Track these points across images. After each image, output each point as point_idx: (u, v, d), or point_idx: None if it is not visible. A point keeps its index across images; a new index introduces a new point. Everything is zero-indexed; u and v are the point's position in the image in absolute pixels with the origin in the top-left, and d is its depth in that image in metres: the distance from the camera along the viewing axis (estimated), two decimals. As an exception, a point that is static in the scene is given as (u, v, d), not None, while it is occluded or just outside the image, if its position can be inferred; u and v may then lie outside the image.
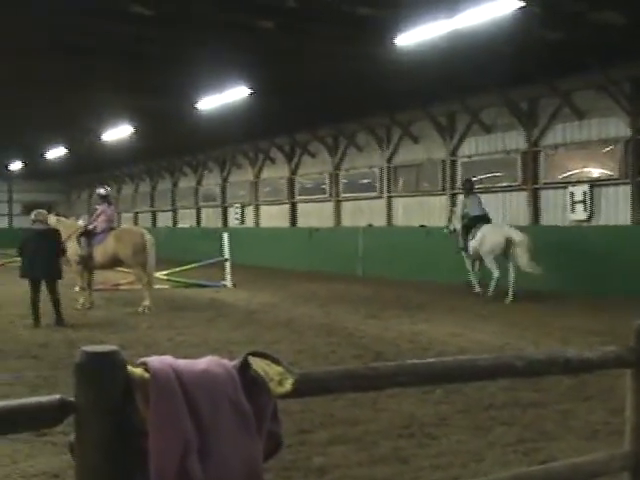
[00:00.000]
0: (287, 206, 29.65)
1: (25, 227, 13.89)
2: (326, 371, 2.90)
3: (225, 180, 34.38)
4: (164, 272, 19.37)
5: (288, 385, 2.48)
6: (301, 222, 29.10)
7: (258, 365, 2.49)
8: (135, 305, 14.78)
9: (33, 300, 12.59)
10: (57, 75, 18.00)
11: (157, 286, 16.34)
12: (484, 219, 16.46)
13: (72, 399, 2.24)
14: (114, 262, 15.04)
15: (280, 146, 29.82)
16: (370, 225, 24.67)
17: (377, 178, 25.02)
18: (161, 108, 21.58)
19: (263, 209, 31.73)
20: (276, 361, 2.53)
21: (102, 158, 35.60)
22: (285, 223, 29.66)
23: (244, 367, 2.48)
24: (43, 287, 12.68)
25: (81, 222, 17.37)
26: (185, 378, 2.36)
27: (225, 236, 20.72)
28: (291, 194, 29.48)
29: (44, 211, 13.82)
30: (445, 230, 18.01)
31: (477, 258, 16.39)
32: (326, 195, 27.41)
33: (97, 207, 15.64)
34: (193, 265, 21.58)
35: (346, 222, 26.55)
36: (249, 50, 15.65)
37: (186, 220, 37.43)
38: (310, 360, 9.08)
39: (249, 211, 32.50)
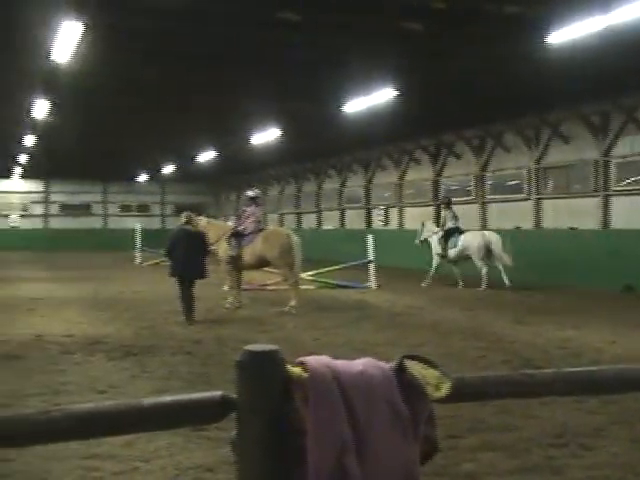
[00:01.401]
0: (431, 208, 29.40)
1: (174, 228, 14.48)
2: (481, 377, 2.83)
3: (369, 182, 34.49)
4: (309, 273, 19.63)
5: (445, 389, 2.44)
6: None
7: (414, 368, 2.47)
8: (281, 305, 15.05)
9: (183, 298, 13.21)
10: (209, 82, 18.62)
11: (302, 287, 16.57)
12: (458, 230, 20.21)
13: (233, 396, 2.28)
14: (262, 262, 15.36)
15: (425, 147, 29.63)
16: (517, 228, 24.08)
17: (525, 179, 24.42)
18: (308, 111, 21.92)
19: (407, 211, 31.62)
20: (432, 364, 2.50)
21: (249, 161, 36.52)
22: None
23: (400, 370, 2.46)
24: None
25: (230, 223, 17.86)
26: (342, 378, 2.36)
27: (370, 238, 20.79)
28: (436, 196, 29.22)
29: (191, 213, 14.40)
30: (416, 242, 21.44)
31: (457, 260, 19.96)
32: (472, 197, 27.00)
33: (246, 209, 15.99)
34: (338, 266, 21.77)
35: (492, 224, 26.03)
36: (396, 52, 15.63)
37: (330, 222, 37.83)
38: (457, 364, 8.94)
39: (393, 213, 32.48)
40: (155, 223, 49.79)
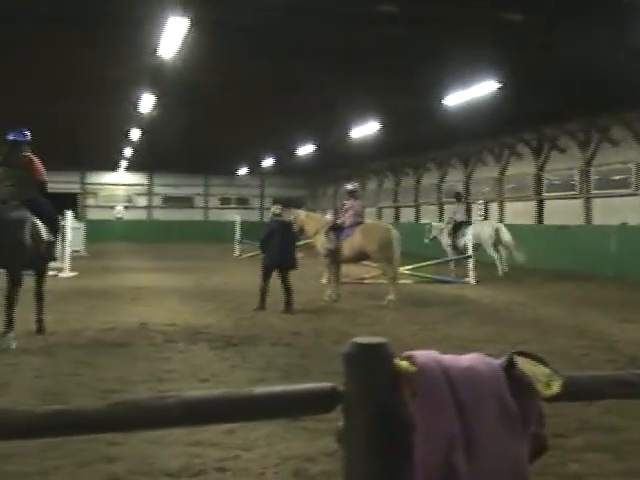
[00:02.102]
0: (533, 203, 28.81)
1: (267, 221, 14.79)
2: (591, 375, 2.77)
3: (469, 177, 34.05)
4: (407, 267, 19.54)
5: (556, 387, 2.39)
6: (548, 219, 28.16)
7: (524, 365, 2.42)
8: (379, 299, 15.03)
9: (263, 288, 13.75)
10: (310, 77, 18.72)
11: (401, 281, 16.50)
12: (467, 223, 21.90)
13: (342, 388, 2.29)
14: (360, 256, 15.37)
15: (527, 141, 29.03)
16: (624, 224, 23.33)
17: (633, 174, 23.63)
18: (408, 105, 21.78)
19: (508, 206, 31.07)
20: (543, 362, 2.45)
21: (348, 154, 36.58)
22: (530, 220, 28.84)
23: (510, 366, 2.42)
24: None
25: (328, 217, 17.95)
26: (451, 373, 2.34)
27: (469, 232, 20.54)
28: (538, 190, 28.61)
29: (281, 205, 14.99)
30: (426, 240, 23.77)
31: (465, 251, 20.86)
32: (575, 192, 26.31)
33: (345, 202, 16.03)
34: (436, 261, 21.60)
35: (597, 220, 25.32)
36: (497, 43, 15.35)
37: (428, 216, 37.54)
38: (560, 362, 8.59)
39: (493, 208, 31.98)
40: (254, 216, 50.44)
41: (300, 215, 16.57)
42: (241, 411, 2.32)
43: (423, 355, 2.37)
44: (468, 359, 2.45)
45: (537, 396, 2.38)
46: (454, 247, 21.80)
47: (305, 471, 5.07)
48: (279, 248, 13.67)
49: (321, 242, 15.45)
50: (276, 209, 14.94)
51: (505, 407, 2.36)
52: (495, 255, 21.45)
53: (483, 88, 18.83)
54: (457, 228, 21.87)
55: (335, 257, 15.26)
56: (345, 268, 16.49)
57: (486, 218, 32.09)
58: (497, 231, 21.57)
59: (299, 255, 25.30)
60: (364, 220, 16.02)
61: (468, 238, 20.50)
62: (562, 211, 27.06)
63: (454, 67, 17.32)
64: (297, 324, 12.02)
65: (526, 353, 2.48)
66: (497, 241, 21.48)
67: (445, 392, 2.29)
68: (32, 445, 5.23)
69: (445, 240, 22.33)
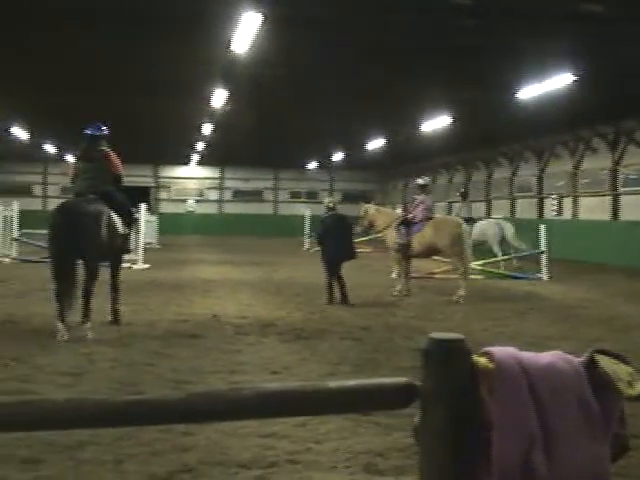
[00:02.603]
0: (608, 198, 28.15)
1: (324, 215, 14.85)
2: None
3: (542, 171, 33.45)
4: (478, 262, 19.32)
5: (639, 387, 2.33)
6: (624, 215, 27.47)
7: (606, 363, 2.37)
8: (449, 294, 14.90)
9: (329, 283, 13.84)
10: (382, 70, 18.66)
11: (471, 276, 16.31)
12: (472, 220, 22.04)
13: (418, 383, 2.27)
14: (431, 251, 15.28)
15: (603, 135, 28.35)
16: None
17: None
18: (480, 98, 21.52)
19: (582, 201, 30.43)
20: (624, 360, 2.39)
21: (418, 149, 36.36)
22: (605, 216, 28.19)
23: (590, 364, 2.37)
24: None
25: (398, 211, 17.88)
26: (530, 371, 2.30)
27: (542, 228, 20.20)
28: (613, 186, 27.94)
29: (334, 199, 15.33)
30: None
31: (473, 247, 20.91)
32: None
33: (416, 197, 15.93)
34: (507, 256, 21.31)
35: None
36: (574, 35, 15.04)
37: (500, 211, 37.02)
38: (636, 362, 8.50)
39: (567, 203, 31.35)
40: (323, 210, 50.48)
41: (370, 209, 16.55)
42: (317, 404, 2.32)
43: (501, 352, 2.33)
44: (547, 356, 2.40)
45: (619, 395, 2.32)
46: None
47: (376, 466, 5.05)
48: (337, 242, 13.84)
49: (391, 237, 15.40)
50: (329, 202, 15.10)
51: (586, 406, 2.31)
52: (499, 253, 21.75)
53: (558, 81, 18.46)
54: None
55: (405, 252, 15.18)
56: (415, 263, 16.38)
57: (559, 214, 31.51)
58: (502, 229, 22.12)
59: (367, 250, 25.40)
60: (435, 215, 15.89)
61: (474, 236, 20.43)
62: (639, 207, 26.37)
63: (529, 59, 17.04)
64: (367, 319, 12.00)
65: (607, 351, 2.42)
66: (502, 238, 21.96)
67: (524, 390, 2.25)
68: (106, 433, 5.35)
69: None
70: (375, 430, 5.76)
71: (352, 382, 2.31)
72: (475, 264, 18.14)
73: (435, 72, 18.62)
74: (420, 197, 15.62)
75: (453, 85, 20.18)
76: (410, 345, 9.32)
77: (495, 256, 21.54)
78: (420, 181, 16.15)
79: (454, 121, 26.17)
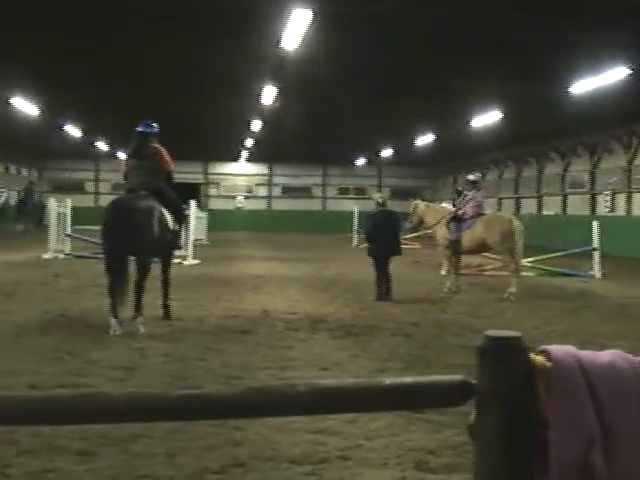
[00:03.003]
0: (663, 194, 27.60)
1: (372, 210, 14.85)
2: None
3: (595, 166, 32.90)
4: (529, 259, 19.09)
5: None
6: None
7: (667, 363, 2.32)
8: (499, 291, 14.76)
9: (378, 279, 13.85)
10: (432, 66, 18.53)
11: (522, 273, 16.11)
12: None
13: (473, 381, 2.25)
14: (481, 248, 15.15)
15: (659, 129, 27.80)
16: None
17: None
18: (532, 93, 21.21)
19: (636, 197, 29.86)
20: (686, 360, 2.34)
21: (467, 144, 36.04)
22: (661, 212, 27.66)
23: (650, 364, 2.32)
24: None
25: (448, 207, 17.74)
26: (589, 370, 2.26)
27: (595, 225, 19.88)
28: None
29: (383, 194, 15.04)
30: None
31: None
32: None
33: (467, 193, 15.81)
34: (559, 253, 21.02)
35: None
36: (630, 28, 14.73)
37: (551, 207, 36.55)
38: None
39: (620, 199, 30.80)
40: (371, 206, 50.29)
41: (419, 205, 16.48)
42: (371, 400, 2.32)
43: (559, 350, 2.29)
44: (607, 355, 2.36)
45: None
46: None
47: (427, 463, 5.03)
48: (385, 237, 13.85)
49: (441, 233, 15.31)
50: (379, 198, 15.09)
51: (647, 407, 2.26)
52: None
53: (613, 74, 18.12)
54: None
55: (455, 248, 15.08)
56: (464, 259, 16.26)
57: (612, 210, 30.98)
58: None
59: (415, 246, 25.33)
60: (485, 211, 15.75)
61: None
62: None
63: (583, 54, 16.76)
64: (416, 315, 11.95)
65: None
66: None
67: (582, 389, 2.21)
68: (159, 427, 5.41)
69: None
70: (426, 427, 5.74)
71: (407, 379, 2.30)
72: (526, 261, 17.91)
73: (488, 67, 18.41)
74: (471, 193, 15.50)
75: (505, 80, 19.93)
76: (460, 342, 9.26)
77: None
78: (471, 177, 16.02)
79: (505, 116, 25.88)
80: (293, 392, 2.21)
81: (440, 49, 16.76)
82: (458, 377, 2.28)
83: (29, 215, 40.48)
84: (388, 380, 2.30)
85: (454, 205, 17.14)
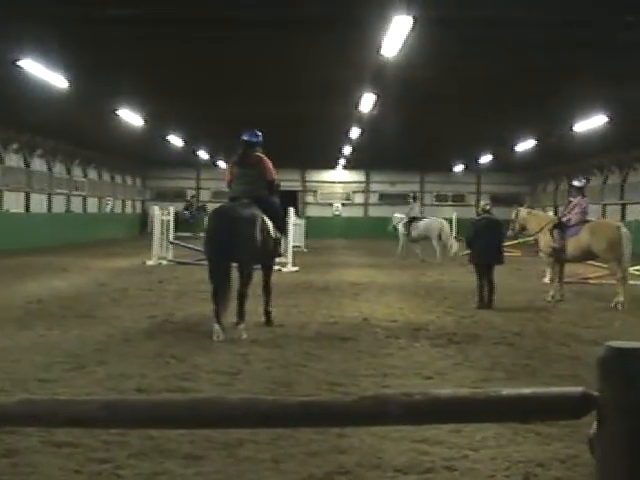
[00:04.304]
0: None
1: (475, 217, 14.73)
2: None
3: None
4: (637, 267, 18.45)
5: None
6: None
7: None
8: (605, 300, 14.34)
9: (480, 286, 13.72)
10: (534, 69, 18.17)
11: (631, 282, 15.55)
12: (419, 218, 27.14)
13: (595, 393, 2.19)
14: (586, 255, 14.73)
15: None
16: None
17: None
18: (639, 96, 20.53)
19: None
20: None
21: (570, 149, 35.14)
22: None
23: None
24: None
25: (551, 214, 17.38)
26: None
27: (420, 226, 19.32)
28: None
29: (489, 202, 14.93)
30: (389, 228, 30.04)
31: (418, 240, 26.70)
32: None
33: (572, 199, 15.41)
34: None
35: None
36: None
37: (659, 214, 35.26)
38: None
39: None
40: (470, 213, 49.74)
41: (522, 212, 16.18)
42: (488, 411, 2.28)
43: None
44: None
45: None
46: (408, 236, 26.84)
47: (536, 476, 4.92)
48: (487, 245, 13.66)
49: (545, 240, 14.97)
50: (485, 205, 14.96)
51: None
52: (438, 247, 25.80)
53: None
54: (411, 222, 26.91)
55: (559, 256, 14.71)
56: (568, 267, 15.86)
57: None
58: (442, 226, 26.28)
59: (516, 253, 24.83)
60: (590, 218, 15.32)
61: (420, 231, 26.28)
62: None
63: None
64: (519, 324, 11.72)
65: None
66: (440, 234, 25.93)
67: None
68: (264, 433, 5.46)
69: (402, 230, 27.31)
70: (534, 439, 5.61)
71: (525, 390, 2.26)
72: (634, 269, 17.32)
73: (593, 70, 17.91)
74: (576, 199, 15.10)
75: (610, 83, 19.35)
76: (566, 352, 9.04)
77: (434, 249, 25.65)
78: (576, 183, 15.63)
79: (610, 120, 25.11)
80: (409, 401, 2.20)
81: (545, 54, 16.42)
82: (579, 389, 2.22)
83: (192, 224, 41.59)
84: (505, 390, 2.27)
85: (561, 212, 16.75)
